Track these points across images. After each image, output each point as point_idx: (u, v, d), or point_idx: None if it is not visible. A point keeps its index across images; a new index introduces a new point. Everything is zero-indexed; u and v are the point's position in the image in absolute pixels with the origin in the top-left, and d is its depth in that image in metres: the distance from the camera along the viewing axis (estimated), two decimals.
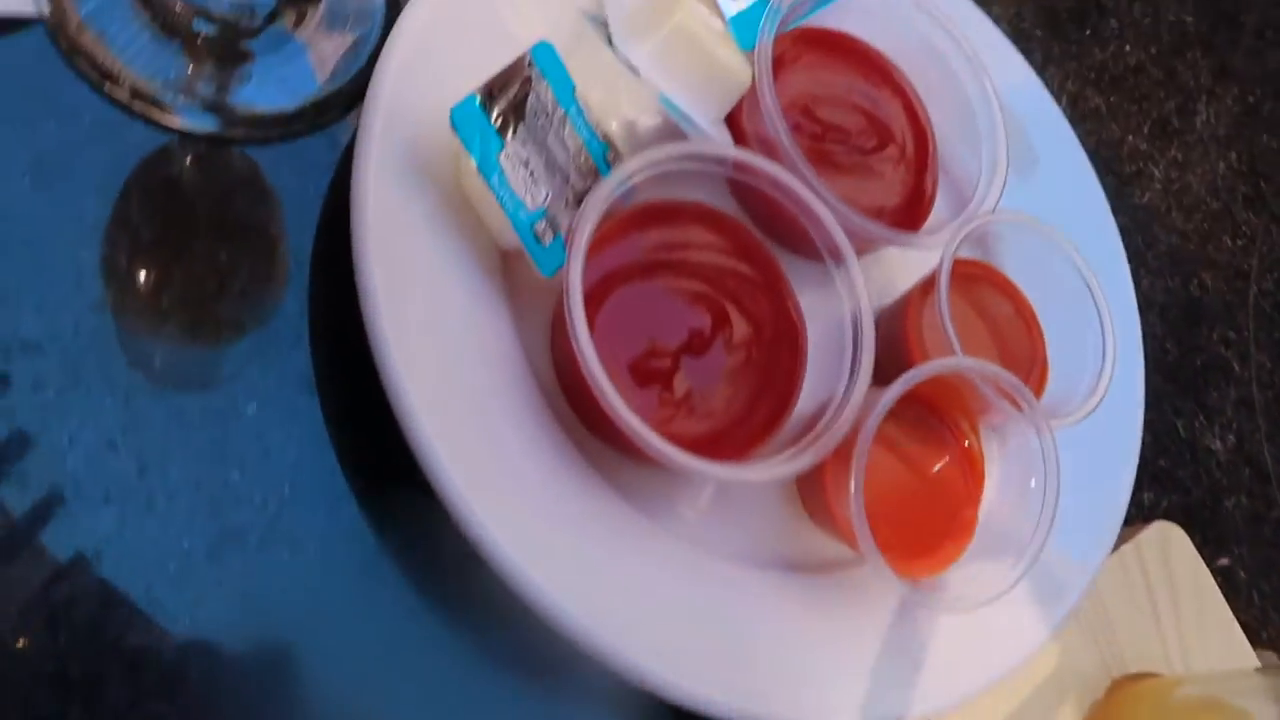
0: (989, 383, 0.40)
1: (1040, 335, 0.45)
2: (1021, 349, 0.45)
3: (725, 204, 0.43)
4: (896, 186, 0.46)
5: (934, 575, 0.40)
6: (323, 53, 0.42)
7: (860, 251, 0.45)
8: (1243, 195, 0.65)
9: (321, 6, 0.42)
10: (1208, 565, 0.50)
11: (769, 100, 0.41)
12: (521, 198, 0.36)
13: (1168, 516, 0.55)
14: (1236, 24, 0.71)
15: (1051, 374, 0.45)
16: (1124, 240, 0.61)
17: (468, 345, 0.36)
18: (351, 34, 0.43)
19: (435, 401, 0.34)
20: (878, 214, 0.46)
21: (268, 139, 0.39)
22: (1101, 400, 0.42)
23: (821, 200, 0.40)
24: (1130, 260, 0.60)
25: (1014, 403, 0.40)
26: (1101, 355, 0.43)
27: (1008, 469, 0.42)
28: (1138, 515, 0.53)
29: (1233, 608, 0.54)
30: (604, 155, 0.40)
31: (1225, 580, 0.55)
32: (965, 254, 0.46)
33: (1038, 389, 0.44)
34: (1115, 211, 0.61)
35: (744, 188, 0.41)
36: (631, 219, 0.40)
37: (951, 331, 0.40)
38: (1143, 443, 0.56)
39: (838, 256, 0.40)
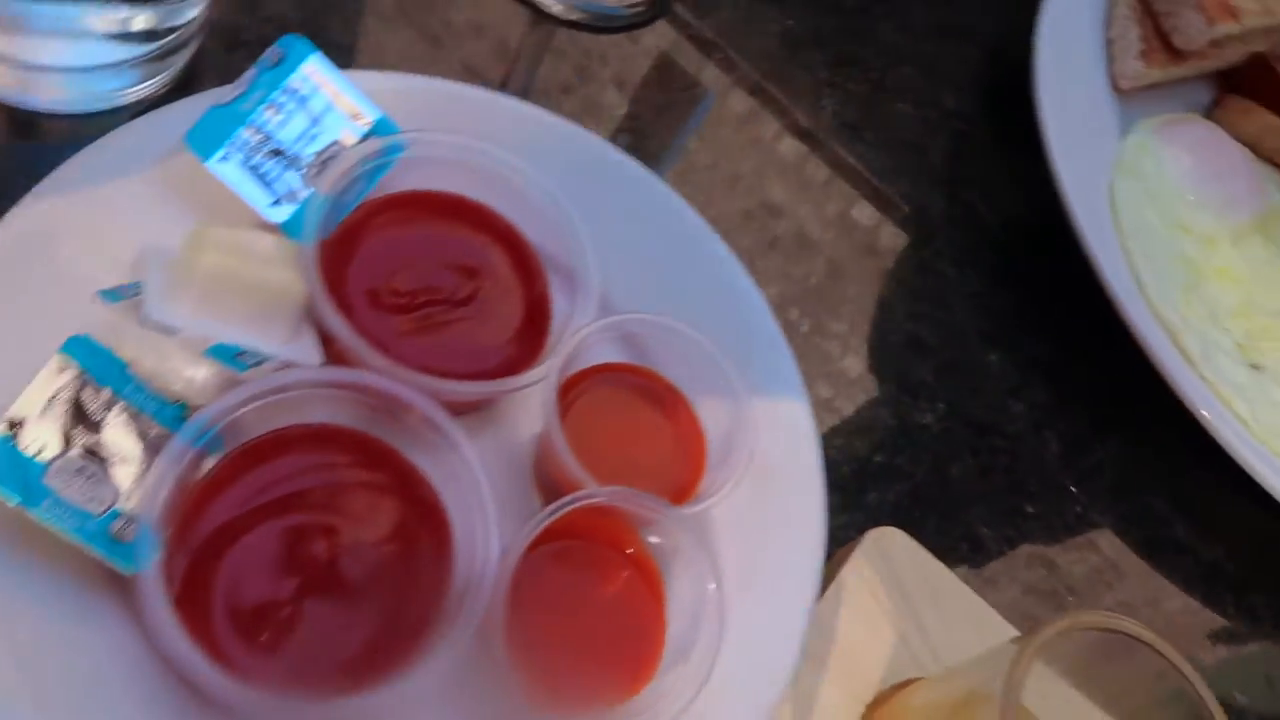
0: (618, 500, 0.41)
1: (695, 422, 0.46)
2: (679, 440, 0.46)
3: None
4: (512, 316, 0.47)
5: (638, 694, 0.41)
6: None
7: (482, 406, 0.46)
8: (888, 171, 0.68)
9: None
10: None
11: (323, 304, 0.41)
12: (85, 508, 0.36)
13: (896, 508, 0.57)
14: (839, 10, 0.73)
15: (710, 454, 0.46)
16: (782, 262, 0.63)
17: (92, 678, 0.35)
18: None
19: None
20: (499, 350, 0.46)
21: None
22: (743, 469, 0.43)
23: (405, 382, 0.40)
24: (792, 278, 0.62)
25: (651, 511, 0.41)
26: (743, 429, 0.44)
27: (678, 570, 0.42)
28: (867, 521, 0.54)
29: (982, 573, 0.56)
30: (180, 416, 0.39)
31: (971, 547, 0.57)
32: (613, 358, 0.48)
33: (697, 474, 0.45)
34: (764, 239, 0.63)
35: None
36: (231, 466, 0.39)
37: (571, 462, 0.41)
38: (853, 446, 0.58)
39: (439, 431, 0.40)
